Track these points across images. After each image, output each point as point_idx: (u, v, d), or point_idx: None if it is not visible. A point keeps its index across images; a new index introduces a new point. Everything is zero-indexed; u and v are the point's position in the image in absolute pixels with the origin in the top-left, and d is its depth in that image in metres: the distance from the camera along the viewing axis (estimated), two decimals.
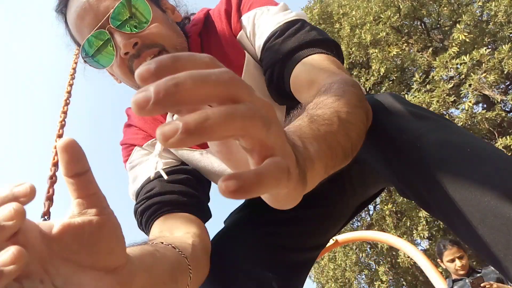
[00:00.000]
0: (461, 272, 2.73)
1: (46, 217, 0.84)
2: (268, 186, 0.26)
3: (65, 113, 1.67)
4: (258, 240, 0.86)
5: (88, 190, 0.35)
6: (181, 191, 0.83)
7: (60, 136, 1.48)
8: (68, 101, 1.80)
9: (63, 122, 1.57)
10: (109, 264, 0.37)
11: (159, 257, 0.52)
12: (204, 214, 0.85)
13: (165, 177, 0.82)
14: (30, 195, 0.32)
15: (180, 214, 0.80)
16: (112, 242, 0.37)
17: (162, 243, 0.60)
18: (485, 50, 5.12)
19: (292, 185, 0.32)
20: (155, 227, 0.78)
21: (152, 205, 0.81)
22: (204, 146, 0.91)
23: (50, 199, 0.93)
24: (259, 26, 0.82)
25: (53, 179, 1.10)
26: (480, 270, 2.70)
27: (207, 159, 0.91)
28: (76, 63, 2.24)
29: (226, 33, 0.85)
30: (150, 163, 0.88)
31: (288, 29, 0.77)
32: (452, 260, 2.77)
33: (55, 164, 1.21)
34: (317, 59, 0.71)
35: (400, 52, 6.47)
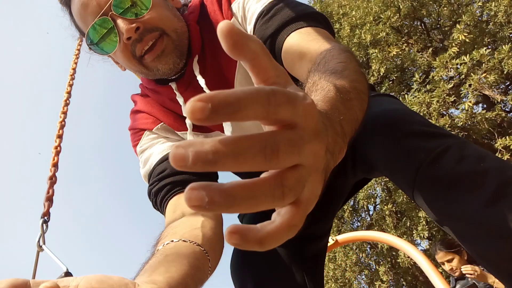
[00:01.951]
0: (456, 274, 2.75)
1: (45, 217, 0.85)
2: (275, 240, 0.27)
3: (65, 113, 1.66)
4: None
5: None
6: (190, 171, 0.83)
7: (60, 136, 1.47)
8: (68, 101, 1.80)
9: (63, 123, 1.57)
10: None
11: (190, 272, 0.55)
12: None
13: None
14: None
15: None
16: None
17: (172, 241, 0.62)
18: (485, 50, 5.12)
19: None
20: (169, 207, 0.81)
21: (165, 185, 0.84)
22: (211, 129, 0.94)
23: (50, 199, 0.93)
24: (248, 10, 0.83)
25: (53, 179, 1.10)
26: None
27: None
28: (76, 63, 2.24)
29: (220, 21, 0.84)
30: (161, 145, 0.91)
31: (274, 7, 0.78)
32: (443, 264, 2.80)
33: (55, 165, 1.21)
34: (306, 32, 0.73)
35: (400, 52, 6.47)
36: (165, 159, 0.87)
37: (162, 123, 0.96)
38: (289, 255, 0.91)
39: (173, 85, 0.88)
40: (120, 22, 0.75)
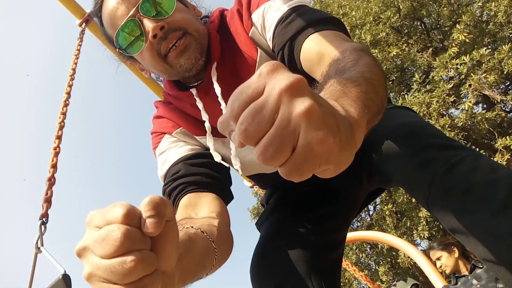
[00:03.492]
0: (447, 272, 2.78)
1: (44, 219, 0.84)
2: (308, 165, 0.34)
3: (64, 114, 1.66)
4: (302, 243, 0.94)
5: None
6: (204, 173, 0.90)
7: (59, 137, 1.47)
8: (67, 102, 1.80)
9: (62, 123, 1.57)
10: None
11: (193, 248, 0.59)
12: (226, 195, 0.92)
13: (218, 159, 0.93)
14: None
15: (204, 194, 0.87)
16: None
17: (192, 227, 0.65)
18: (485, 50, 5.11)
19: (339, 151, 0.36)
20: (181, 204, 0.85)
21: (178, 185, 0.88)
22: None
23: (48, 201, 0.92)
24: (267, 19, 0.87)
25: (51, 181, 1.10)
26: (482, 267, 2.68)
27: (228, 147, 0.98)
28: (75, 63, 2.24)
29: (239, 31, 0.92)
30: (179, 149, 0.97)
31: (292, 13, 0.82)
32: (435, 262, 2.85)
33: (54, 166, 1.20)
34: (323, 35, 0.75)
35: (400, 53, 6.46)
36: (180, 160, 0.92)
37: (181, 127, 1.01)
38: (308, 262, 0.92)
39: (194, 91, 0.93)
40: (147, 22, 0.81)
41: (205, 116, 0.93)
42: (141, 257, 0.37)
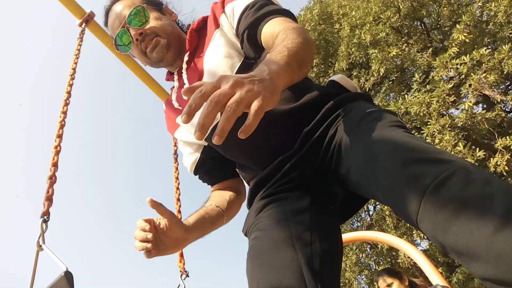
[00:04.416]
0: None
1: (45, 216, 0.84)
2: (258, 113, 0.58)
3: (64, 113, 1.66)
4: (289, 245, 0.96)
5: None
6: (214, 175, 1.32)
7: (59, 136, 1.47)
8: (67, 101, 1.80)
9: (62, 122, 1.57)
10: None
11: (206, 218, 1.13)
12: (232, 175, 1.31)
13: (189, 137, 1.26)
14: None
15: (220, 183, 1.31)
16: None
17: (211, 204, 1.19)
18: (485, 50, 5.12)
19: (260, 93, 0.60)
20: (212, 190, 1.32)
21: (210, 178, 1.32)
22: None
23: (49, 199, 0.92)
24: (236, 9, 1.11)
25: (52, 179, 1.10)
26: None
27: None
28: (76, 63, 2.24)
29: (211, 19, 1.18)
30: (187, 158, 1.32)
31: (255, 4, 1.07)
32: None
33: (55, 165, 1.20)
34: (276, 20, 1.00)
35: (400, 53, 6.47)
36: (197, 168, 1.31)
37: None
38: (299, 264, 0.91)
39: (175, 76, 1.24)
40: (131, 30, 1.16)
41: (174, 94, 1.23)
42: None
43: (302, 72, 0.82)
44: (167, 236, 0.97)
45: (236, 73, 1.06)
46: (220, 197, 1.25)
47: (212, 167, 1.28)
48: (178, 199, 1.85)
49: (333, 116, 0.97)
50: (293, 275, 0.82)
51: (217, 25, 1.14)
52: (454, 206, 0.58)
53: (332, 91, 1.05)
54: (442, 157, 0.67)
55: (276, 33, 0.93)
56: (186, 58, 1.19)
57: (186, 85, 1.11)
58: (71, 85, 1.88)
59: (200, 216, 1.11)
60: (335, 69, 7.05)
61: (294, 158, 0.99)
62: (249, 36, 1.04)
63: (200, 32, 1.21)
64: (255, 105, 0.57)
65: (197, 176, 1.32)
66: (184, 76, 1.16)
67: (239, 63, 1.08)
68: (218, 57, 1.09)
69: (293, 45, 0.81)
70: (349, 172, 0.85)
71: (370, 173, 0.75)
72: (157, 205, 0.93)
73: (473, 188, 0.59)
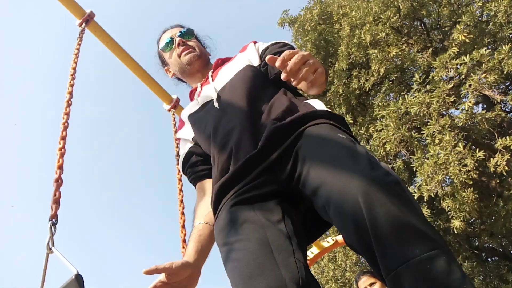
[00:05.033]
0: None
1: (54, 219, 0.84)
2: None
3: (67, 114, 1.66)
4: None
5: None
6: (200, 169, 1.36)
7: (63, 138, 1.47)
8: (69, 102, 1.79)
9: (66, 124, 1.57)
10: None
11: (203, 240, 1.17)
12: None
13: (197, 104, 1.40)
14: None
15: (205, 180, 1.34)
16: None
17: (200, 223, 1.21)
18: (485, 50, 5.12)
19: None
20: (197, 187, 1.36)
21: (191, 176, 1.38)
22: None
23: (57, 202, 0.92)
24: (264, 44, 1.43)
25: (58, 182, 1.10)
26: None
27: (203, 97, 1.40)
28: (76, 63, 2.24)
29: (242, 49, 1.48)
30: (182, 148, 1.43)
31: (280, 42, 1.39)
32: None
33: (60, 167, 1.21)
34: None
35: (400, 53, 6.47)
36: (187, 158, 1.39)
37: (180, 131, 1.53)
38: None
39: (197, 89, 1.47)
40: (177, 38, 1.50)
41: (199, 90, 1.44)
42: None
43: (322, 87, 1.07)
44: (181, 281, 1.03)
45: (248, 73, 1.29)
46: (205, 210, 1.23)
47: (197, 162, 1.35)
48: (182, 201, 1.86)
49: (302, 129, 1.02)
50: None
51: (244, 50, 1.45)
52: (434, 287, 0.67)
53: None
54: (430, 233, 0.75)
55: None
56: (210, 73, 1.47)
57: (211, 81, 1.39)
58: (72, 85, 1.88)
59: (196, 241, 1.15)
60: (335, 69, 7.05)
61: (265, 163, 1.02)
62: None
63: (224, 60, 1.51)
64: (320, 70, 0.95)
65: (185, 173, 1.41)
66: (210, 78, 1.42)
67: (251, 67, 1.33)
68: (238, 62, 1.37)
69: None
70: (317, 197, 0.90)
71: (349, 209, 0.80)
72: (153, 270, 0.96)
73: (454, 277, 0.68)
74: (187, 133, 1.40)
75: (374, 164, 0.87)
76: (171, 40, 1.50)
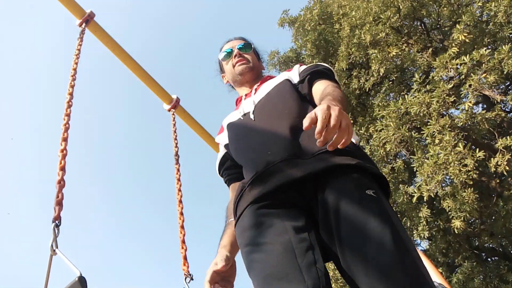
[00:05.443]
0: None
1: (57, 221, 0.84)
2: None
3: (68, 115, 1.65)
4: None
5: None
6: (233, 172, 1.49)
7: (65, 139, 1.47)
8: (70, 103, 1.79)
9: (67, 125, 1.56)
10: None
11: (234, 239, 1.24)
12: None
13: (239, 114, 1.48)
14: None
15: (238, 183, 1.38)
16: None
17: (232, 219, 1.25)
18: (485, 50, 5.12)
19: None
20: (231, 188, 1.49)
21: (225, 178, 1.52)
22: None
23: (59, 203, 0.93)
24: (305, 66, 1.54)
25: (61, 183, 1.10)
26: None
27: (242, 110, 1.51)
28: (76, 63, 2.23)
29: (288, 70, 1.58)
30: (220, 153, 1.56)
31: (319, 65, 1.49)
32: None
33: (62, 169, 1.21)
34: (323, 82, 1.38)
35: (400, 53, 6.47)
36: (222, 163, 1.53)
37: (219, 136, 1.63)
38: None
39: (243, 99, 1.58)
40: (236, 50, 1.62)
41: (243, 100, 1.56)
42: None
43: (345, 109, 1.16)
44: (225, 272, 1.21)
45: (284, 88, 1.42)
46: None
47: (231, 166, 1.50)
48: (180, 201, 1.86)
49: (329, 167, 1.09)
50: None
51: (289, 70, 1.57)
52: None
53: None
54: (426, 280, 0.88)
55: (322, 89, 1.29)
56: (256, 86, 1.60)
57: (252, 94, 1.52)
58: (72, 86, 1.87)
59: (230, 235, 1.30)
60: (335, 69, 7.05)
61: (290, 179, 1.09)
62: (308, 80, 1.42)
63: (272, 78, 1.63)
64: (350, 129, 0.97)
65: (221, 175, 1.55)
66: (253, 91, 1.55)
67: (289, 82, 1.46)
68: (279, 78, 1.51)
69: (338, 95, 1.16)
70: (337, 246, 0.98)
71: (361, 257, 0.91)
72: (213, 280, 1.19)
73: None
74: (223, 139, 1.54)
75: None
76: (231, 51, 1.64)
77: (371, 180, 1.08)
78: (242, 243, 1.11)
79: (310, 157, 1.10)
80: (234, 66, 1.61)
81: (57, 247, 0.67)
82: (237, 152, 1.39)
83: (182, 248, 1.58)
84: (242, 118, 1.41)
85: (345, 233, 0.95)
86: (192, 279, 1.45)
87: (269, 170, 1.12)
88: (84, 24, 2.37)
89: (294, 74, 1.50)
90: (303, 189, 1.09)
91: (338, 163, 1.07)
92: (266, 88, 1.47)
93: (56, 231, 0.72)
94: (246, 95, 1.56)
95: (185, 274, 1.45)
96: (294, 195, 1.09)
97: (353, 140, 1.20)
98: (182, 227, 1.72)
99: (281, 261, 0.96)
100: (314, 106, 1.33)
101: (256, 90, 1.52)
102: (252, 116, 1.36)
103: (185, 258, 1.50)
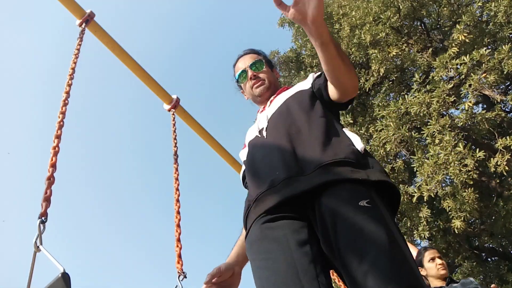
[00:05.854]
0: (442, 272, 2.76)
1: (43, 217, 0.84)
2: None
3: (63, 113, 1.65)
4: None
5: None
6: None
7: (58, 137, 1.47)
8: (66, 101, 1.79)
9: (61, 123, 1.56)
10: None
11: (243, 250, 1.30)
12: None
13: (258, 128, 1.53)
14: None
15: None
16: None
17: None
18: (485, 50, 5.12)
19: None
20: None
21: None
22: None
23: (47, 200, 0.92)
24: (314, 74, 1.57)
25: (50, 180, 1.10)
26: (458, 281, 2.71)
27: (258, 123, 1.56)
28: (75, 63, 2.23)
29: (299, 82, 1.62)
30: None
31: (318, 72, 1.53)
32: (433, 259, 2.82)
33: (53, 165, 1.20)
34: None
35: (400, 53, 6.46)
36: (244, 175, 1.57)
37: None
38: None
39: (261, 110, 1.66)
40: (249, 71, 1.67)
41: (261, 111, 1.64)
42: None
43: (346, 65, 1.20)
44: (225, 280, 1.28)
45: (295, 100, 1.45)
46: None
47: None
48: (177, 200, 1.85)
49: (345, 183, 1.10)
50: None
51: (303, 81, 1.59)
52: None
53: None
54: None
55: None
56: (272, 97, 1.65)
57: (267, 106, 1.57)
58: (70, 85, 1.87)
59: (238, 246, 1.39)
60: None
61: (294, 192, 1.13)
62: (320, 84, 1.44)
63: (287, 89, 1.65)
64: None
65: (245, 187, 1.60)
66: (268, 103, 1.60)
67: (301, 92, 1.49)
68: (292, 89, 1.55)
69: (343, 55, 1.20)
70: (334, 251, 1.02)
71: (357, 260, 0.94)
72: (209, 280, 1.24)
73: None
74: (243, 155, 1.61)
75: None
76: (245, 72, 1.72)
77: (368, 189, 1.09)
78: (250, 258, 1.18)
79: (310, 172, 1.13)
80: (252, 88, 1.68)
81: (41, 244, 0.66)
82: (247, 169, 1.45)
83: (177, 246, 1.58)
84: (258, 135, 1.49)
85: (343, 247, 0.98)
86: (185, 277, 1.45)
87: (274, 188, 1.17)
88: (84, 24, 2.36)
89: (307, 81, 1.55)
90: (303, 203, 1.12)
91: (331, 179, 1.09)
92: (278, 101, 1.52)
93: (42, 227, 0.71)
94: (264, 107, 1.66)
95: (178, 272, 1.45)
96: (296, 209, 1.12)
97: (358, 148, 1.21)
98: (178, 225, 1.72)
99: (284, 280, 1.00)
100: (325, 113, 1.38)
101: (271, 102, 1.60)
102: (264, 134, 1.44)
103: (179, 256, 1.49)
